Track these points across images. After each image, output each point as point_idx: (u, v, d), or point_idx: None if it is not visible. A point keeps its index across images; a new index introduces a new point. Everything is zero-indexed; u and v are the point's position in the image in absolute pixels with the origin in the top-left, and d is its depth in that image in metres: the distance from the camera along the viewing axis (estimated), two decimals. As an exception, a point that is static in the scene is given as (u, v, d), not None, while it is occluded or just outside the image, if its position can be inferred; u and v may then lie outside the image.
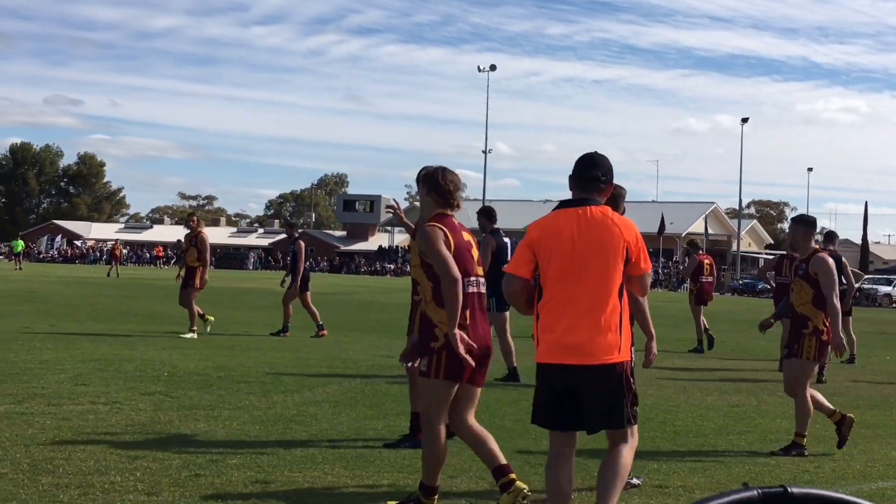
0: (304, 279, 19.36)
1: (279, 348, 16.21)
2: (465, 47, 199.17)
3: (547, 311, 5.55)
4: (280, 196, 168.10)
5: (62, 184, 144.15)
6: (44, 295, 30.05)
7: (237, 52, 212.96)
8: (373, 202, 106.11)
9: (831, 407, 9.39)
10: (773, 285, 17.54)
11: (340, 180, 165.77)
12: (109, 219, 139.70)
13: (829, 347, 9.24)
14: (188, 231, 18.86)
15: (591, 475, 7.75)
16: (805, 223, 9.50)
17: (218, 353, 15.14)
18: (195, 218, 19.09)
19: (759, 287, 72.61)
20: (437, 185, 6.65)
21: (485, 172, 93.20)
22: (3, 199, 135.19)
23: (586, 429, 5.67)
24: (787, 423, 10.85)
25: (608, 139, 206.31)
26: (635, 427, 5.75)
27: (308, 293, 19.30)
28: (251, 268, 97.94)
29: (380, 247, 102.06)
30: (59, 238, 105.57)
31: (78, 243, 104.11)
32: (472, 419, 6.61)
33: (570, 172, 5.83)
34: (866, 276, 58.75)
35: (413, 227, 8.26)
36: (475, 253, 6.63)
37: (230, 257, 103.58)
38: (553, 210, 5.77)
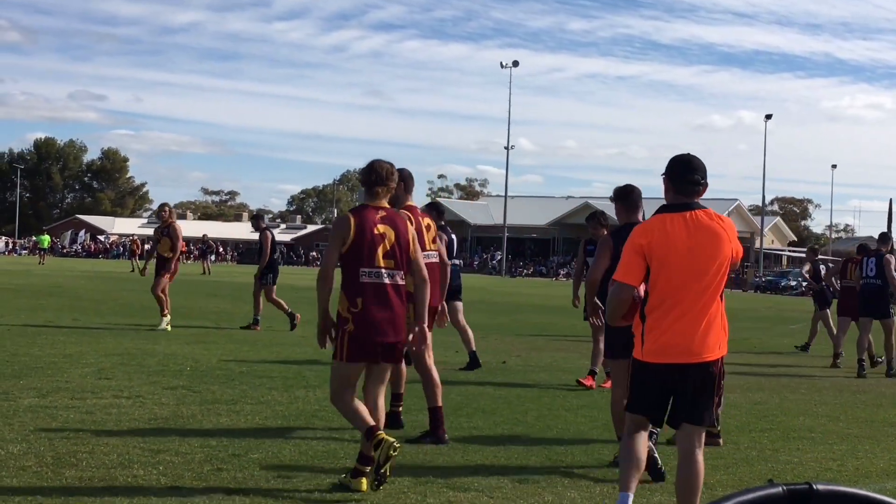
0: (273, 272, 19.43)
1: (301, 343, 16.23)
2: (487, 43, 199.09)
3: (657, 313, 5.73)
4: (302, 191, 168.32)
5: (86, 179, 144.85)
6: (68, 289, 30.21)
7: (259, 47, 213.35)
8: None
9: None
10: (839, 289, 17.87)
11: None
12: (132, 214, 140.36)
13: None
14: (160, 222, 18.77)
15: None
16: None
17: (240, 347, 15.18)
18: (167, 209, 19.04)
19: (782, 284, 72.51)
20: (363, 177, 7.35)
21: (507, 168, 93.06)
22: (28, 194, 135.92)
23: (673, 423, 5.91)
24: (810, 420, 10.81)
25: (631, 135, 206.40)
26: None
27: (274, 286, 19.33)
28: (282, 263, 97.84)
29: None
30: (82, 233, 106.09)
31: (101, 238, 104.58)
32: (376, 393, 7.27)
33: (666, 174, 5.92)
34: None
35: None
36: (385, 244, 7.04)
37: (252, 252, 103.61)
38: (655, 214, 5.89)
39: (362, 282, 6.99)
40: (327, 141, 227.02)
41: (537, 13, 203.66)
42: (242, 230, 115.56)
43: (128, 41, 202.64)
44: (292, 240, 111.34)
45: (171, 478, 6.92)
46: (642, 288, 5.90)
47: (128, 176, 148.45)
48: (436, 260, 8.86)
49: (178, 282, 31.45)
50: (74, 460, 7.27)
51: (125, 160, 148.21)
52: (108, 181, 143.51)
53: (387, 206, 7.28)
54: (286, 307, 18.97)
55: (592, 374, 12.68)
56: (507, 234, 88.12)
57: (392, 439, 6.83)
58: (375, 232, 7.05)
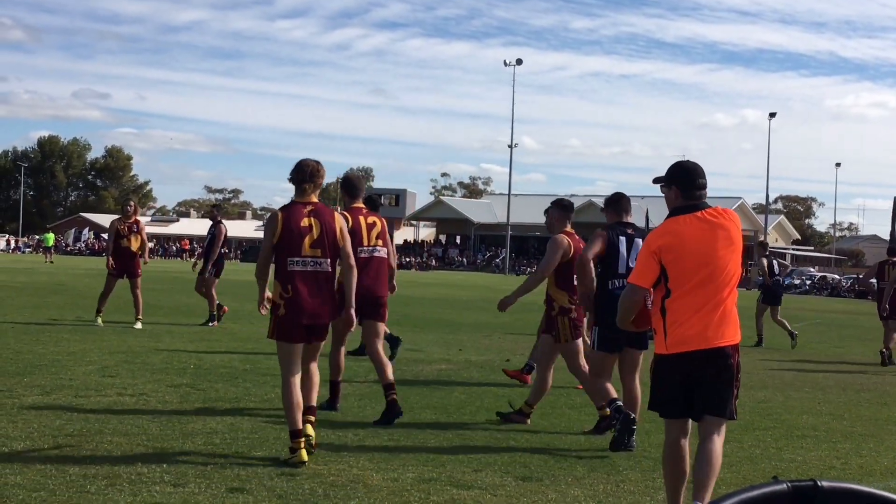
0: (219, 265, 19.39)
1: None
2: (490, 41, 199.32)
3: (677, 306, 5.97)
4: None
5: (90, 177, 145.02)
6: (71, 287, 30.23)
7: (262, 45, 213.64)
8: (398, 196, 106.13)
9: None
10: (876, 289, 18.34)
11: (366, 174, 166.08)
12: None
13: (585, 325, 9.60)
14: (127, 219, 18.36)
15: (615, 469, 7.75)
16: (560, 207, 9.92)
17: (244, 345, 15.20)
18: (132, 204, 18.89)
19: (786, 283, 72.36)
20: (292, 176, 8.06)
21: (510, 167, 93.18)
22: (32, 192, 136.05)
23: (694, 415, 6.09)
24: (814, 418, 10.80)
25: (634, 134, 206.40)
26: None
27: (216, 280, 19.28)
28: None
29: (405, 241, 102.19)
30: (86, 231, 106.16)
31: (105, 236, 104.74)
32: (311, 364, 8.07)
33: (673, 181, 6.18)
34: None
35: None
36: (312, 235, 7.83)
37: (255, 250, 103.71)
38: (667, 219, 6.15)
39: (291, 270, 7.81)
40: (330, 139, 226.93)
41: (541, 11, 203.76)
42: (246, 228, 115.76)
43: (131, 39, 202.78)
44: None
45: (175, 475, 6.92)
46: (651, 298, 6.17)
47: (131, 174, 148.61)
48: (382, 255, 9.82)
49: (180, 280, 31.49)
50: (78, 457, 7.28)
51: (129, 158, 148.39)
52: (112, 179, 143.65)
53: (315, 200, 8.02)
54: (215, 304, 18.94)
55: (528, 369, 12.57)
56: (510, 233, 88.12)
57: (304, 457, 7.52)
58: (302, 224, 7.84)
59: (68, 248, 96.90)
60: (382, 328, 10.14)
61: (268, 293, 8.06)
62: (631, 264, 8.50)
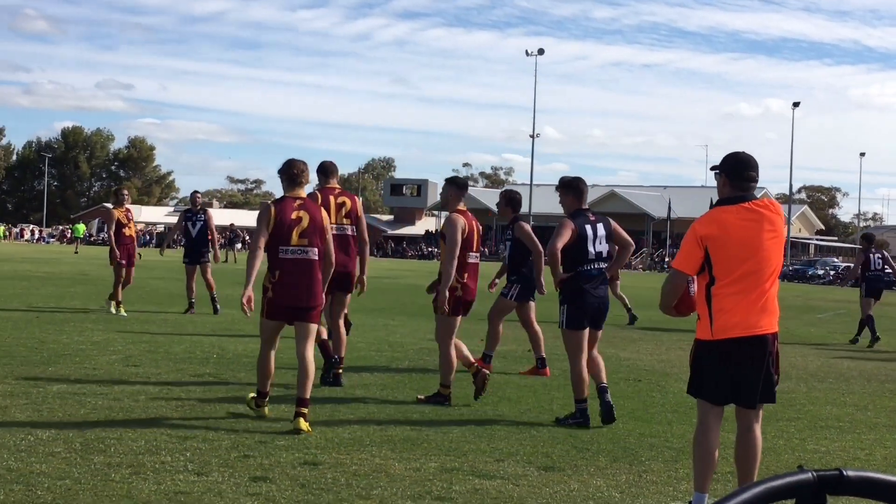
0: (200, 253, 19.31)
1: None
2: (512, 31, 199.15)
3: (723, 294, 6.09)
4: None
5: (112, 167, 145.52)
6: (95, 277, 30.35)
7: (283, 35, 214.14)
8: (420, 186, 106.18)
9: (471, 359, 10.14)
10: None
11: (387, 164, 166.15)
12: (159, 202, 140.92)
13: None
14: (123, 208, 18.63)
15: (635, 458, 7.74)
16: (456, 185, 10.40)
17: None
18: (126, 193, 19.02)
19: (810, 273, 72.07)
20: (282, 173, 8.94)
21: (532, 157, 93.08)
22: (55, 183, 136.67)
23: (742, 402, 6.21)
24: (838, 409, 10.76)
25: (657, 124, 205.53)
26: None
27: (195, 269, 19.23)
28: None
29: (427, 231, 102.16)
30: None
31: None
32: (302, 350, 8.74)
33: (724, 170, 6.28)
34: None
35: None
36: (301, 226, 8.64)
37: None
38: (714, 207, 6.27)
39: (281, 257, 8.65)
40: (352, 129, 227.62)
41: (562, 1, 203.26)
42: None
43: (153, 30, 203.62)
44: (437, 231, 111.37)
45: (199, 464, 6.95)
46: (695, 285, 6.31)
47: (154, 164, 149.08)
48: (349, 232, 10.78)
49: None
50: (103, 446, 7.32)
51: (152, 149, 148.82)
52: (135, 170, 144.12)
53: (303, 195, 8.91)
54: (193, 296, 18.98)
55: (487, 358, 12.57)
56: (532, 223, 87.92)
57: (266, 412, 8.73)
58: (292, 217, 8.67)
59: (91, 239, 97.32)
60: (348, 299, 11.07)
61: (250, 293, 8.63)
62: (598, 248, 9.22)
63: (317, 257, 8.76)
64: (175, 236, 19.62)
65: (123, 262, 18.22)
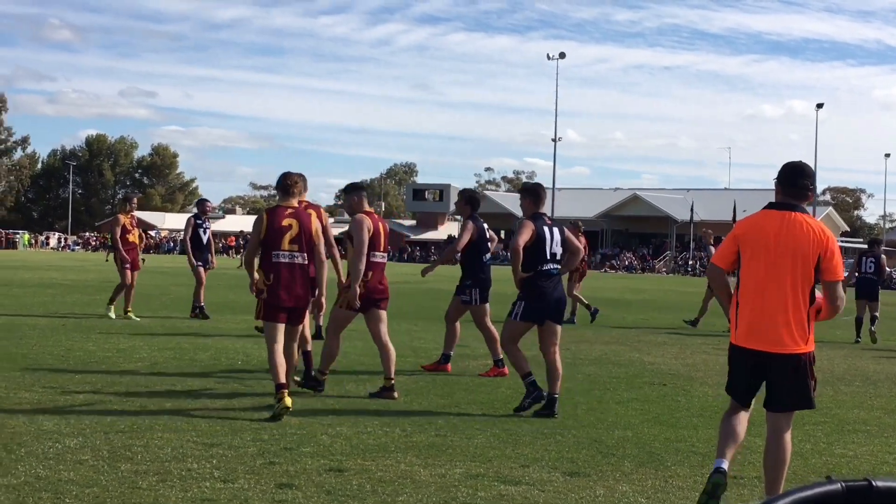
0: (207, 259, 19.61)
1: (350, 337, 16.27)
2: (533, 35, 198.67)
3: (744, 300, 6.26)
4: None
5: (136, 175, 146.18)
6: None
7: (304, 42, 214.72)
8: (442, 191, 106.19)
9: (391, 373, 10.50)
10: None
11: (409, 169, 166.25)
12: (183, 209, 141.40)
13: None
14: (129, 215, 19.19)
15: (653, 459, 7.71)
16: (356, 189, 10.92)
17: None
18: (135, 200, 19.74)
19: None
20: (278, 184, 9.81)
21: (554, 161, 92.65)
22: (80, 191, 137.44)
23: (765, 405, 6.39)
24: (865, 413, 10.69)
25: (679, 126, 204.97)
26: (792, 415, 6.38)
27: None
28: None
29: (449, 235, 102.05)
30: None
31: (152, 233, 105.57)
32: (290, 345, 9.68)
33: (777, 178, 6.46)
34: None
35: None
36: (292, 233, 9.41)
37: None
38: (762, 210, 6.41)
39: (273, 262, 9.40)
40: (374, 135, 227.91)
41: (583, 4, 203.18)
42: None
43: (175, 38, 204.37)
44: (341, 234, 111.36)
45: (225, 471, 6.98)
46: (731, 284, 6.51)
47: (178, 171, 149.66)
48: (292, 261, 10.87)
49: (228, 275, 31.69)
50: (129, 454, 7.36)
51: (175, 156, 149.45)
52: (159, 177, 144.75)
53: (295, 204, 9.67)
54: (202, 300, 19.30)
55: (447, 359, 12.78)
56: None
57: (289, 402, 8.98)
58: (284, 224, 9.43)
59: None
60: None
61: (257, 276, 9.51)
62: (553, 249, 9.99)
63: (306, 262, 9.52)
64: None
65: (128, 266, 18.60)
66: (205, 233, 19.74)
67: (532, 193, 10.44)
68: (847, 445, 8.88)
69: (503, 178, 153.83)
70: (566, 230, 10.44)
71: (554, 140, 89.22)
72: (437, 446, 8.09)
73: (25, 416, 8.55)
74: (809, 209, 6.55)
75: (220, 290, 28.61)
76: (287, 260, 9.44)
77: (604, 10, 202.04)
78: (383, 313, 10.51)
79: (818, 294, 6.28)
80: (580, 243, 10.84)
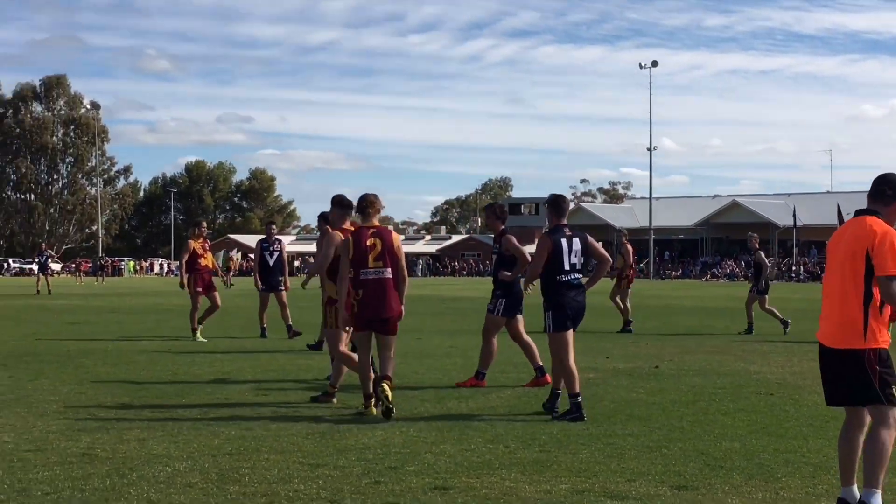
0: (277, 281, 19.85)
1: (451, 354, 16.32)
2: (623, 44, 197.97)
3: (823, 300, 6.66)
4: (445, 202, 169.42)
5: (235, 199, 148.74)
6: (223, 308, 30.96)
7: (395, 61, 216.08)
8: (538, 205, 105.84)
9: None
10: None
11: (504, 184, 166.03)
12: (281, 231, 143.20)
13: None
14: (200, 239, 19.91)
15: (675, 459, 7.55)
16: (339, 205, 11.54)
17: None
18: (203, 225, 20.39)
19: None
20: (357, 205, 10.58)
21: (650, 170, 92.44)
22: (181, 217, 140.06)
23: (827, 401, 6.70)
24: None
25: (778, 130, 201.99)
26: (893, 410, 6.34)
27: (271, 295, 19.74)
28: (420, 275, 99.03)
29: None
30: (234, 252, 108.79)
31: (252, 256, 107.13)
32: (385, 354, 10.35)
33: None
34: None
35: None
36: (375, 251, 10.21)
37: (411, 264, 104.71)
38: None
39: (361, 279, 10.18)
40: (468, 151, 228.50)
41: (673, 11, 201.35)
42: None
43: (269, 63, 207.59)
44: (437, 250, 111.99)
45: (331, 491, 7.02)
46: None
47: (275, 194, 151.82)
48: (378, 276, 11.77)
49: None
50: (237, 476, 7.44)
51: (272, 179, 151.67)
52: (257, 200, 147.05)
53: (376, 224, 10.41)
54: (265, 322, 19.84)
55: (542, 371, 12.60)
56: (653, 237, 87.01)
57: (387, 389, 9.89)
58: (368, 244, 10.21)
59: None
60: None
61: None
62: (573, 260, 10.29)
63: (391, 276, 10.27)
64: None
65: (200, 290, 19.38)
66: (271, 256, 20.07)
67: (553, 205, 10.71)
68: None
69: (599, 189, 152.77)
70: (589, 240, 10.63)
71: (649, 149, 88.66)
72: (542, 462, 8.04)
73: (136, 441, 8.72)
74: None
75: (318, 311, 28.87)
76: (373, 276, 10.19)
77: (694, 16, 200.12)
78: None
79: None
80: (627, 250, 11.02)
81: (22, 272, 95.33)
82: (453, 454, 8.30)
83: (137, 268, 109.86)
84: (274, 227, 21.62)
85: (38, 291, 44.85)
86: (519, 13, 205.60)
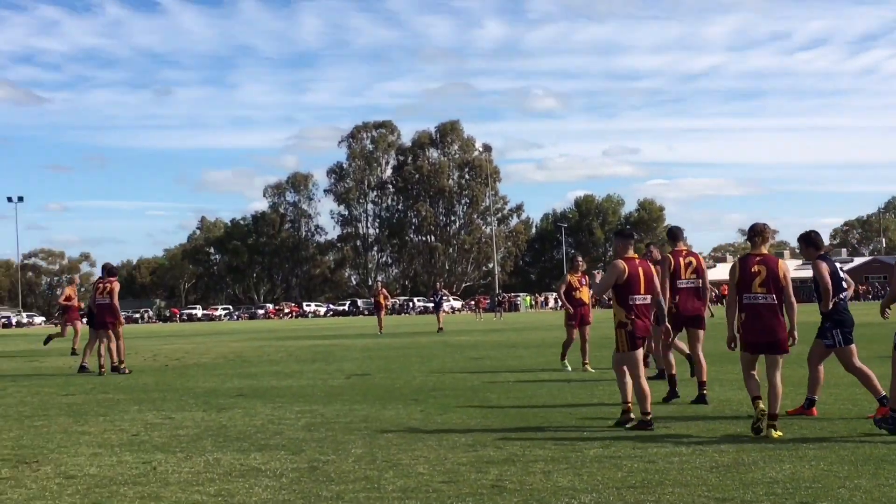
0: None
1: (857, 383, 15.46)
2: None
3: None
4: (845, 223, 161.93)
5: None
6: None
7: (782, 81, 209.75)
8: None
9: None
10: None
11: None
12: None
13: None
14: (578, 273, 20.34)
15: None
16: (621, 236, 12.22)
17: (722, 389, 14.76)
18: (580, 259, 21.03)
19: None
20: (747, 235, 11.39)
21: None
22: (572, 251, 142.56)
23: None
24: None
25: None
26: None
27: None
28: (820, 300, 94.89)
29: None
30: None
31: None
32: (771, 376, 10.89)
33: None
34: None
35: None
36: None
37: (797, 290, 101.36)
38: None
39: (745, 302, 10.89)
40: (867, 168, 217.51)
41: None
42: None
43: (652, 93, 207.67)
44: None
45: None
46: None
47: (665, 224, 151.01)
48: (698, 285, 14.59)
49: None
50: (643, 509, 7.40)
51: (661, 209, 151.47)
52: (646, 231, 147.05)
53: (764, 252, 11.05)
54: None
55: (811, 403, 12.24)
56: None
57: (763, 408, 10.66)
58: (753, 270, 10.89)
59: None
60: (701, 336, 14.42)
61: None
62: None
63: (775, 302, 10.79)
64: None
65: (573, 322, 20.01)
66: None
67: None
68: None
69: None
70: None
71: None
72: None
73: (541, 474, 8.90)
74: None
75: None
76: (758, 301, 10.81)
77: None
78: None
79: None
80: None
81: (414, 309, 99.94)
82: (869, 489, 7.85)
83: (533, 302, 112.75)
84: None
85: (440, 329, 47.00)
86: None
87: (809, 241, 12.31)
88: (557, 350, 26.96)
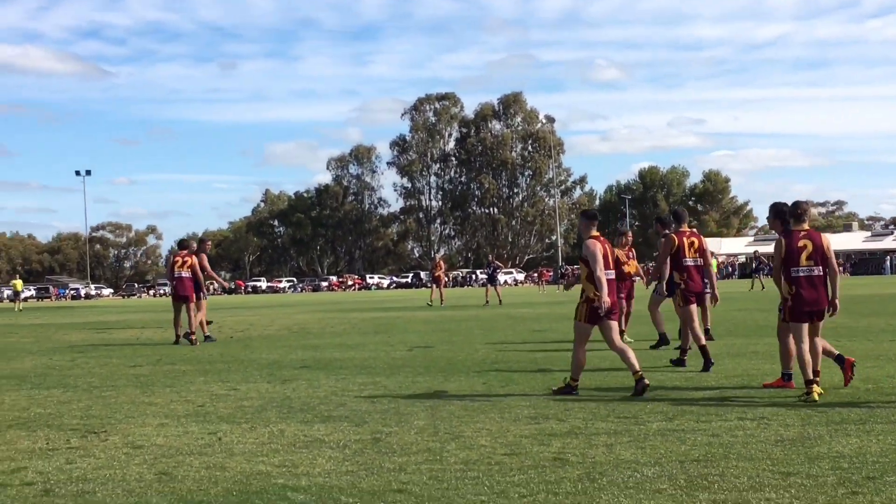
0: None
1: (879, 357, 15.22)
2: None
3: None
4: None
5: (690, 202, 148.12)
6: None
7: (851, 49, 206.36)
8: None
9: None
10: None
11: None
12: (738, 233, 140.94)
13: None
14: (628, 247, 20.16)
15: None
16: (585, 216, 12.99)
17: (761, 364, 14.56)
18: (629, 235, 20.67)
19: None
20: (789, 211, 11.98)
21: None
22: (637, 223, 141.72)
23: None
24: None
25: None
26: None
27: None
28: (888, 272, 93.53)
29: None
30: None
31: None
32: (814, 340, 11.66)
33: None
34: None
35: None
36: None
37: (866, 263, 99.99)
38: None
39: (794, 276, 11.63)
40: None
41: None
42: (853, 240, 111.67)
43: (717, 63, 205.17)
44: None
45: (804, 501, 6.77)
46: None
47: (730, 196, 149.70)
48: (699, 263, 15.49)
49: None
50: (706, 483, 7.36)
51: (727, 181, 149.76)
52: (712, 203, 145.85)
53: (807, 227, 11.77)
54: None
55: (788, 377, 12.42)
56: None
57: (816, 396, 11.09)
58: (799, 245, 11.64)
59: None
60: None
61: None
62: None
63: (821, 274, 11.62)
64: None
65: (622, 296, 19.12)
66: None
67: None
68: None
69: None
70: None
71: None
72: None
73: (604, 447, 8.87)
74: None
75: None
76: (805, 273, 11.59)
77: None
78: (613, 324, 12.50)
79: None
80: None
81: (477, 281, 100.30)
82: (938, 465, 7.72)
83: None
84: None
85: (486, 302, 46.81)
86: None
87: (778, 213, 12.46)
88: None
